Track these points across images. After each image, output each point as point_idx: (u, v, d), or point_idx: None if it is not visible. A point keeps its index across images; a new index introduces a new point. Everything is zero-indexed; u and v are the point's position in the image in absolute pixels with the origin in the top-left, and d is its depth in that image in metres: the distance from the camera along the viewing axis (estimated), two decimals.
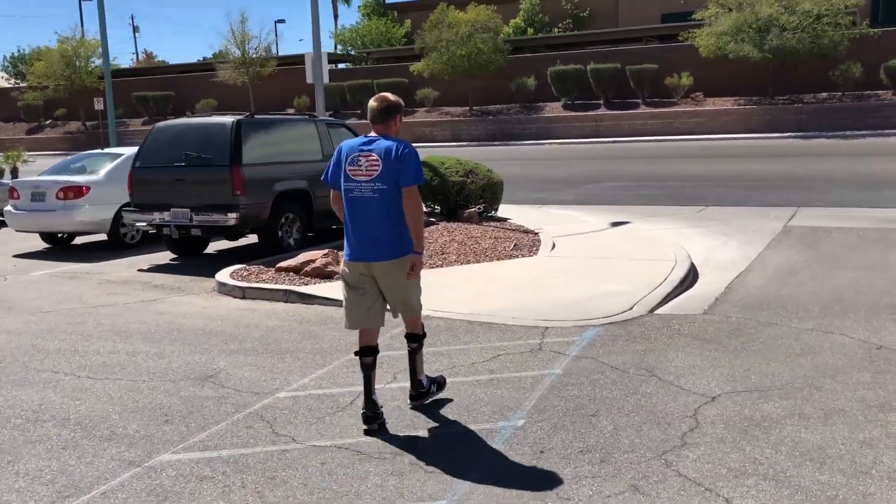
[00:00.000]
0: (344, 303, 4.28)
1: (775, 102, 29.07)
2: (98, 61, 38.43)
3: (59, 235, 11.24)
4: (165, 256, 9.98)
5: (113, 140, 22.10)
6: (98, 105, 32.66)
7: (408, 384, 4.71)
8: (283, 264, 8.15)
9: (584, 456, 3.72)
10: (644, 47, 34.02)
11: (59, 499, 3.45)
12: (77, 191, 10.53)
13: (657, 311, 6.39)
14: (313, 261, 8.06)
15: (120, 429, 4.22)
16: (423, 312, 4.50)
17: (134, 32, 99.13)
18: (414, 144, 4.15)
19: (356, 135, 10.52)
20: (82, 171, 11.27)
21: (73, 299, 7.65)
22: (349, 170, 4.06)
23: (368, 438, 4.00)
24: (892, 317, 5.90)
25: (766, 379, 4.66)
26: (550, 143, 30.30)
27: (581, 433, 3.98)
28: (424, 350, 4.56)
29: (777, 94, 29.40)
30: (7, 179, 17.00)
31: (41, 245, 11.26)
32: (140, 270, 9.17)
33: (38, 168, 18.02)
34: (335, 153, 4.20)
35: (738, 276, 7.51)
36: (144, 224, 9.52)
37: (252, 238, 9.85)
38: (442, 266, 8.37)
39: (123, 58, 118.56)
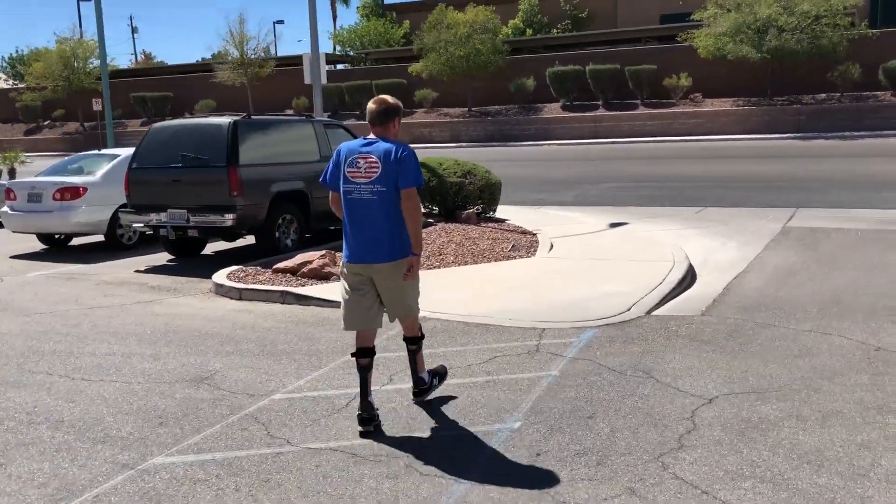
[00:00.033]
0: (342, 303, 4.26)
1: (774, 103, 29.07)
2: (96, 62, 38.37)
3: (56, 236, 11.21)
4: (163, 257, 9.96)
5: (111, 141, 22.07)
6: (96, 106, 32.60)
7: (404, 386, 4.72)
8: (280, 265, 8.13)
9: (581, 458, 3.69)
10: (643, 48, 34.01)
11: (51, 502, 3.43)
12: (74, 192, 10.50)
13: (655, 313, 6.36)
14: (310, 262, 8.03)
15: (114, 431, 4.19)
16: (420, 314, 4.50)
17: (133, 33, 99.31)
18: (413, 145, 4.15)
19: (354, 136, 10.61)
20: (79, 171, 11.24)
21: (69, 300, 7.62)
22: (348, 172, 4.06)
23: (364, 441, 3.97)
24: (891, 318, 5.88)
25: (764, 381, 4.64)
26: (549, 144, 30.28)
27: (577, 435, 3.96)
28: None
29: (776, 94, 29.40)
30: (4, 180, 16.97)
31: (38, 246, 11.24)
32: (137, 271, 9.14)
33: (36, 169, 17.98)
34: (334, 155, 4.20)
35: (736, 277, 7.49)
36: (141, 225, 9.49)
37: (250, 239, 9.82)
38: (440, 267, 8.35)
39: (122, 58, 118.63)
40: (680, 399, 4.39)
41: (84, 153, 12.98)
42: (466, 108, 34.77)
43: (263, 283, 7.74)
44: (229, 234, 9.36)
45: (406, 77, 35.19)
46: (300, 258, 8.18)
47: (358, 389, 4.17)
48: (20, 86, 48.90)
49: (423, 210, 9.15)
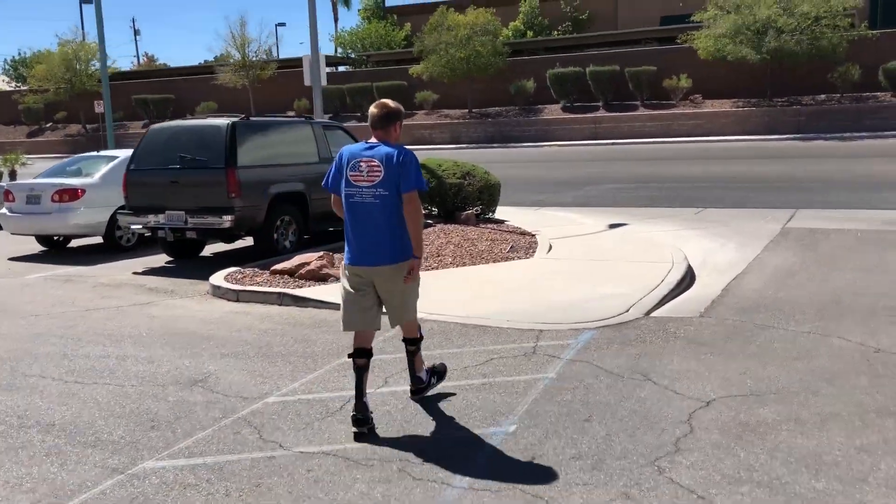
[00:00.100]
0: (342, 304, 4.27)
1: (774, 104, 29.02)
2: (98, 64, 38.40)
3: (55, 238, 11.19)
4: (161, 259, 9.93)
5: (111, 142, 22.05)
6: (98, 108, 32.67)
7: (399, 388, 4.69)
8: (278, 267, 8.10)
9: (576, 462, 3.65)
10: (643, 49, 33.97)
11: None
12: (72, 193, 10.48)
13: (653, 314, 6.32)
14: (308, 263, 8.00)
15: (105, 435, 4.16)
16: (418, 315, 4.48)
17: (135, 35, 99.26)
18: (413, 147, 4.17)
19: (353, 137, 10.59)
20: (78, 173, 11.22)
21: (66, 303, 7.59)
22: (350, 175, 4.09)
23: (356, 444, 3.93)
24: (890, 319, 5.83)
25: (762, 383, 4.60)
26: (549, 146, 30.25)
27: (573, 439, 3.91)
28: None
29: (775, 95, 29.35)
30: (4, 182, 16.95)
31: (37, 248, 11.22)
32: (135, 273, 9.11)
33: (37, 171, 17.96)
34: (336, 158, 4.23)
35: (735, 279, 7.44)
36: (139, 227, 9.46)
37: (249, 240, 9.79)
38: (438, 268, 8.31)
39: (124, 61, 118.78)
40: (677, 402, 4.35)
41: (83, 155, 12.97)
42: (467, 110, 34.75)
43: (261, 285, 7.70)
44: (227, 235, 9.33)
45: (407, 79, 35.18)
46: (298, 259, 8.14)
47: (353, 392, 4.15)
48: (22, 88, 48.95)
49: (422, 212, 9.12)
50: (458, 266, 8.42)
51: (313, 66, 14.67)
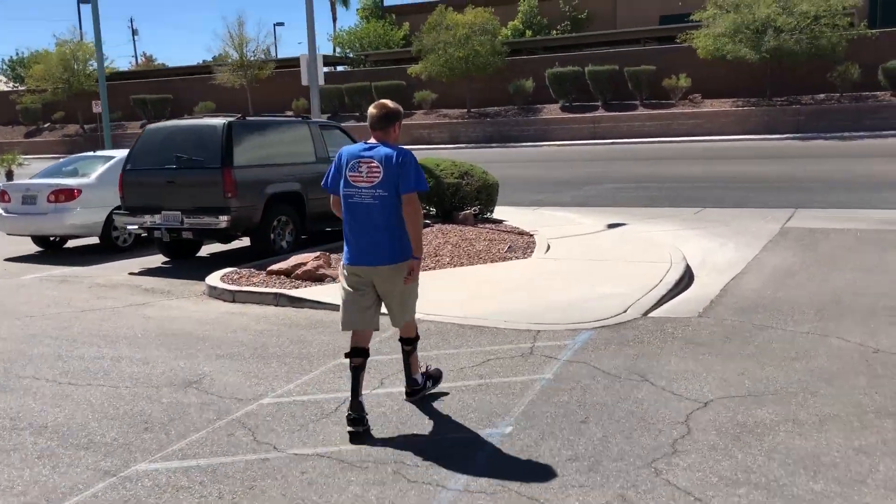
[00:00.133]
0: (341, 303, 4.27)
1: (773, 104, 29.00)
2: (96, 64, 38.38)
3: (52, 239, 11.15)
4: (157, 260, 9.89)
5: (108, 142, 22.02)
6: (96, 108, 32.57)
7: (395, 390, 4.66)
8: (274, 267, 8.06)
9: (573, 464, 3.62)
10: (642, 49, 33.96)
11: None
12: (68, 194, 10.44)
13: (652, 314, 6.29)
14: (304, 264, 7.97)
15: (98, 437, 4.12)
16: (415, 315, 4.46)
17: (133, 35, 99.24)
18: (412, 147, 4.17)
19: (351, 137, 10.55)
20: (74, 174, 11.18)
21: (61, 303, 7.56)
22: (350, 176, 4.09)
23: (351, 446, 3.90)
24: (890, 319, 5.80)
25: (760, 384, 4.57)
26: (549, 145, 30.22)
27: (570, 440, 3.88)
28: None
29: (775, 95, 29.33)
30: (0, 182, 16.91)
31: (33, 248, 11.17)
32: (131, 274, 9.07)
33: (34, 171, 17.92)
34: (335, 159, 4.23)
35: (734, 278, 7.41)
36: (135, 227, 9.42)
37: (246, 240, 9.76)
38: (435, 268, 8.28)
39: (123, 61, 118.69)
40: (675, 403, 4.32)
41: (79, 155, 12.93)
42: (466, 110, 34.72)
43: (257, 286, 7.67)
44: (224, 235, 9.29)
45: (405, 79, 35.15)
46: (294, 260, 8.11)
47: (348, 393, 4.14)
48: (20, 88, 48.91)
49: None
50: (455, 266, 8.39)
51: (311, 65, 14.64)
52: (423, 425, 4.16)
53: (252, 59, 38.41)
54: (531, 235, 9.96)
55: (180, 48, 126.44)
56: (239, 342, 5.90)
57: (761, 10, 27.33)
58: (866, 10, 33.77)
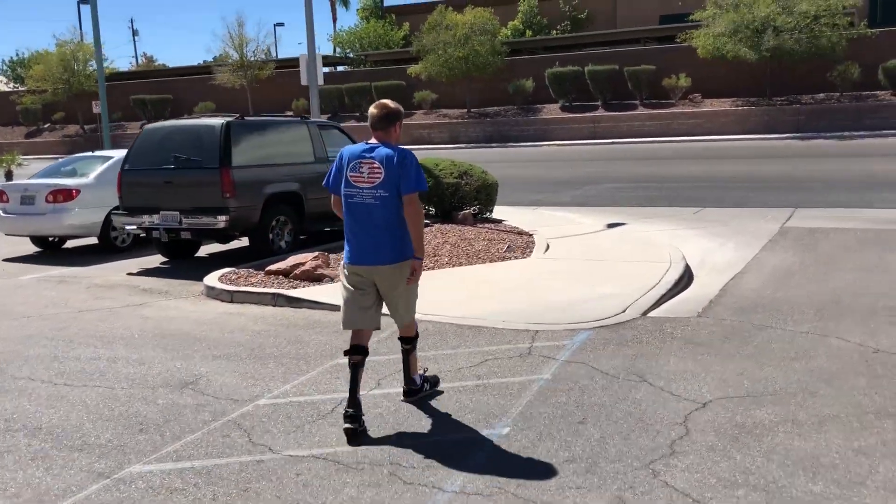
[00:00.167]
0: (342, 303, 4.26)
1: (773, 103, 28.96)
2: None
3: (50, 239, 11.13)
4: (156, 260, 9.87)
5: (107, 143, 21.99)
6: (96, 108, 32.55)
7: (392, 391, 4.64)
8: (273, 267, 8.04)
9: (570, 465, 3.59)
10: (642, 49, 33.92)
11: None
12: (66, 194, 10.41)
13: (650, 314, 6.26)
14: (303, 264, 7.94)
15: (92, 438, 4.09)
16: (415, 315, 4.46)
17: (133, 36, 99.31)
18: (412, 147, 4.17)
19: (350, 137, 10.52)
20: (72, 174, 11.15)
21: (58, 304, 7.53)
22: (351, 176, 4.10)
23: (347, 448, 3.87)
24: (890, 319, 5.78)
25: (759, 384, 4.54)
26: (549, 145, 30.19)
27: (567, 441, 3.85)
28: None
29: (775, 95, 29.29)
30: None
31: (32, 249, 11.15)
32: (129, 274, 9.05)
33: (33, 171, 17.91)
34: (336, 158, 4.24)
35: (733, 278, 7.38)
36: (134, 227, 9.40)
37: (245, 240, 9.73)
38: (434, 268, 8.25)
39: (123, 61, 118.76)
40: (673, 403, 4.29)
41: (77, 155, 12.91)
42: (465, 110, 34.69)
43: (255, 286, 7.65)
44: (222, 236, 9.27)
45: (405, 79, 35.12)
46: (293, 260, 8.09)
47: (345, 394, 4.13)
48: (20, 89, 48.88)
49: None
50: (454, 266, 8.36)
51: (310, 65, 14.61)
52: (420, 426, 4.14)
53: (252, 59, 38.37)
54: (530, 235, 9.93)
55: (180, 48, 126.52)
56: (236, 343, 5.87)
57: (761, 9, 27.29)
58: (866, 10, 33.73)
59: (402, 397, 4.50)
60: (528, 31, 42.46)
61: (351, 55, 46.33)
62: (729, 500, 3.22)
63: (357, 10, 51.39)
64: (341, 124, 16.55)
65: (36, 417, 4.44)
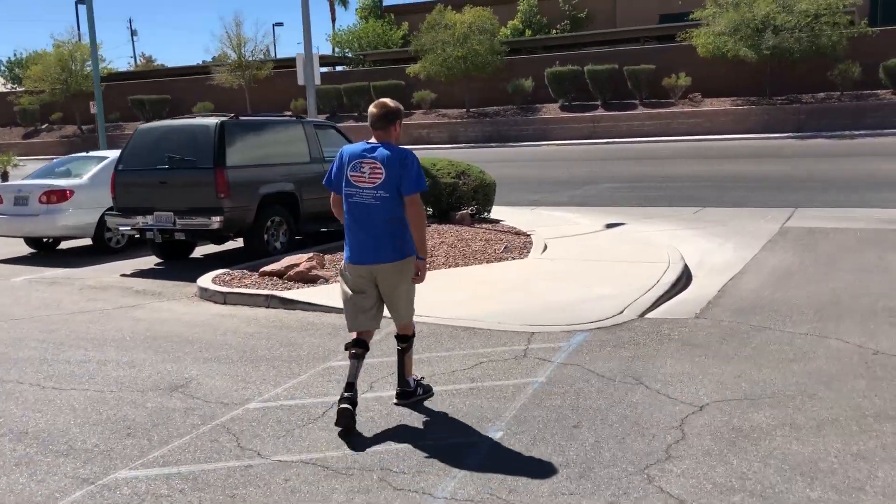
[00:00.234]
0: (344, 305, 4.26)
1: (773, 103, 28.87)
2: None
3: (44, 240, 11.06)
4: (150, 261, 9.80)
5: (103, 143, 21.91)
6: (93, 109, 32.52)
7: (384, 394, 4.58)
8: (267, 268, 7.97)
9: (563, 470, 3.52)
10: (641, 48, 33.83)
11: None
12: (60, 195, 10.34)
13: (648, 315, 6.19)
14: (297, 265, 7.87)
15: (79, 443, 4.02)
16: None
17: (132, 36, 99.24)
18: (411, 147, 4.14)
19: (346, 137, 10.45)
20: (67, 174, 11.08)
21: (50, 305, 7.46)
22: (351, 175, 4.09)
23: (336, 453, 3.80)
24: (890, 321, 5.70)
25: (757, 387, 4.47)
26: (548, 145, 30.11)
27: (561, 446, 3.78)
28: None
29: (775, 94, 29.20)
30: None
31: (26, 250, 11.08)
32: (123, 276, 8.98)
33: (29, 172, 17.84)
34: (337, 157, 4.23)
35: (732, 279, 7.31)
36: (128, 228, 9.33)
37: (240, 241, 9.66)
38: (430, 269, 8.16)
39: (122, 61, 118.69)
40: (669, 406, 4.22)
41: (72, 155, 12.84)
42: (465, 109, 34.60)
43: (249, 287, 7.57)
44: (217, 236, 9.20)
45: (404, 78, 35.02)
46: (287, 261, 8.01)
47: (336, 398, 4.09)
48: (18, 89, 48.79)
49: None
50: (450, 267, 8.29)
51: (306, 64, 14.53)
52: (412, 431, 4.07)
53: (250, 59, 38.29)
54: (528, 235, 9.86)
55: (179, 49, 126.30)
56: (228, 345, 5.80)
57: (761, 8, 27.21)
58: (867, 9, 33.63)
59: (394, 400, 4.44)
60: (527, 30, 42.37)
61: (350, 55, 46.25)
62: None
63: (356, 9, 51.32)
64: (340, 124, 16.51)
65: (22, 421, 4.37)
